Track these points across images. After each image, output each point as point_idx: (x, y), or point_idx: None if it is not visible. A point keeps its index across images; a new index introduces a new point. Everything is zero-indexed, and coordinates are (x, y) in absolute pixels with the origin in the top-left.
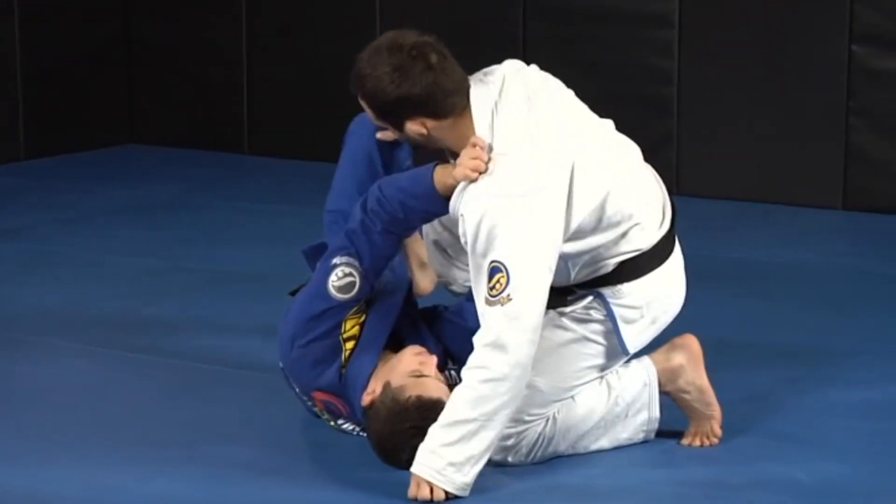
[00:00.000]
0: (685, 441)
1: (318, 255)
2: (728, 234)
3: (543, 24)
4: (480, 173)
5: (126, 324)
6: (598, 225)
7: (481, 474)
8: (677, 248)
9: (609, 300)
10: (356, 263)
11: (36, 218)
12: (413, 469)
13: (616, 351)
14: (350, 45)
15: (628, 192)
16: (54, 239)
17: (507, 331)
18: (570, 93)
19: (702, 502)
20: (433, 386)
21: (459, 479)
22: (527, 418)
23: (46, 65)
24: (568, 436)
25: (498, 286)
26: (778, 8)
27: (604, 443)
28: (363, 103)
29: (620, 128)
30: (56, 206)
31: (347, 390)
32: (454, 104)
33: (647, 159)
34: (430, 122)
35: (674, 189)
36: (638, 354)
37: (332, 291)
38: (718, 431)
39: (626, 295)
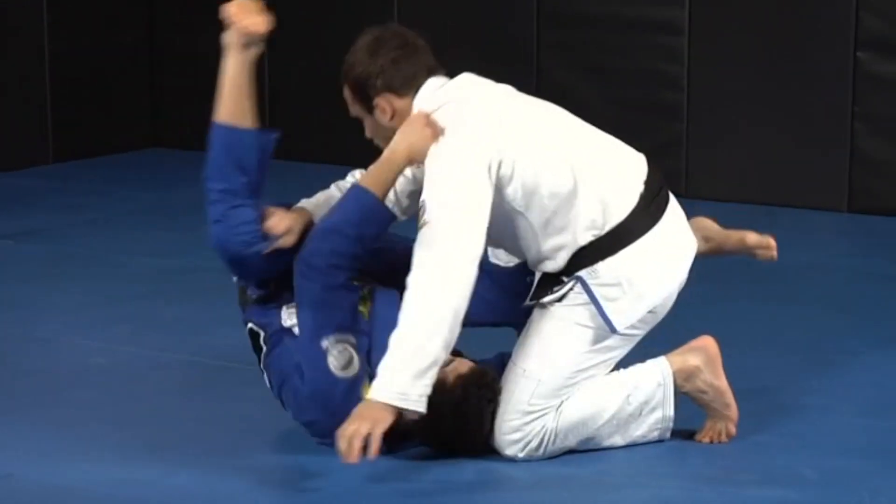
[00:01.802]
0: (698, 437)
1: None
2: None
3: (555, 30)
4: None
5: (148, 322)
6: (536, 189)
7: (493, 470)
8: (661, 227)
9: (588, 282)
10: (343, 336)
11: (62, 219)
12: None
13: (610, 333)
14: None
15: (577, 165)
16: (79, 239)
17: (419, 252)
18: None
19: (709, 496)
20: (460, 364)
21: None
22: (529, 409)
23: (74, 72)
24: (577, 432)
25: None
26: (784, 15)
27: (617, 439)
28: (345, 90)
29: (630, 132)
30: (81, 207)
31: None
32: (417, 84)
33: (656, 162)
34: (395, 101)
35: (682, 192)
36: (654, 354)
37: (340, 374)
38: (733, 431)
39: (603, 273)
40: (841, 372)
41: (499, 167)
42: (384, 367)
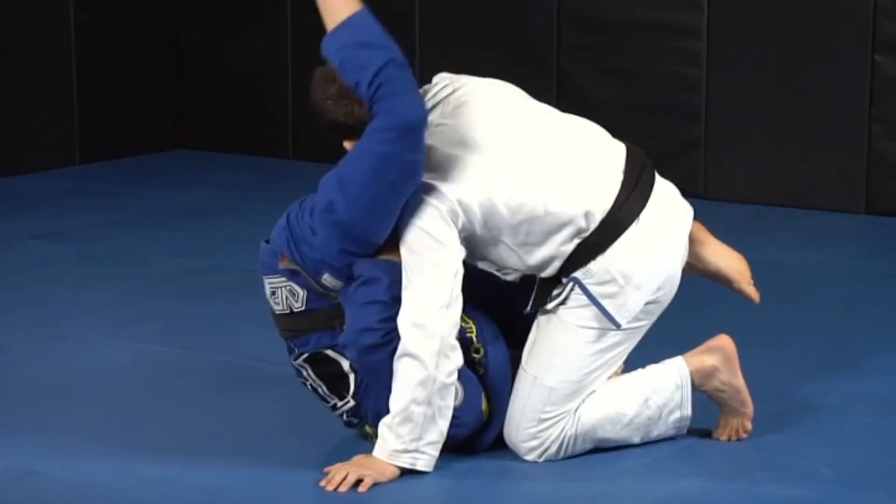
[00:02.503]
0: (716, 434)
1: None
2: (753, 236)
3: (576, 33)
4: None
5: (172, 321)
6: (500, 220)
7: (513, 467)
8: (647, 212)
9: (584, 282)
10: None
11: (88, 219)
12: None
13: (615, 329)
14: None
15: (545, 179)
16: (105, 240)
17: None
18: (511, 98)
19: (725, 494)
20: None
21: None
22: (543, 416)
23: (100, 76)
24: (596, 435)
25: None
26: (802, 19)
27: (634, 440)
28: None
29: (650, 134)
30: (107, 208)
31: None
32: None
33: (675, 164)
34: None
35: (701, 193)
36: (671, 353)
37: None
38: (749, 427)
39: (596, 272)
40: (857, 372)
41: (455, 217)
42: (381, 425)
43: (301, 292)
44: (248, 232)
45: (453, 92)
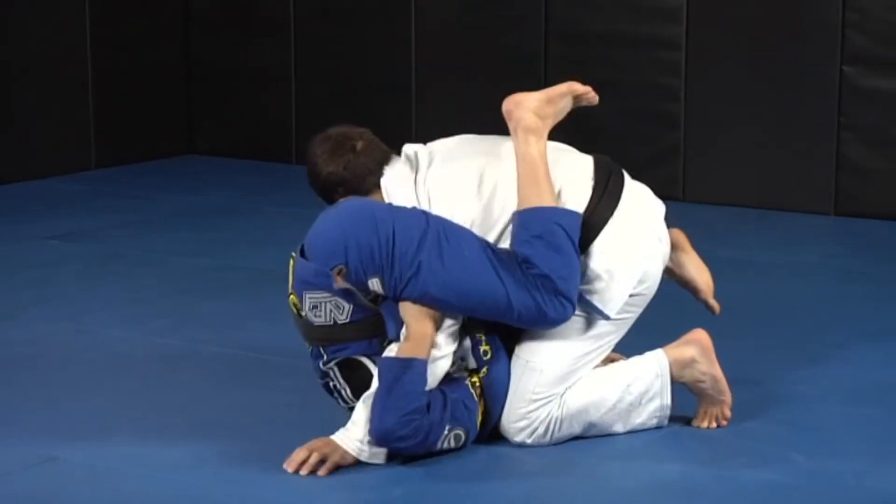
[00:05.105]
0: (695, 422)
1: None
2: (730, 237)
3: (562, 46)
4: None
5: (184, 317)
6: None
7: (503, 455)
8: (620, 211)
9: None
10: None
11: (104, 221)
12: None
13: (604, 320)
14: (388, 63)
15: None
16: (120, 240)
17: None
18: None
19: (704, 478)
20: None
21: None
22: (533, 397)
23: (115, 83)
24: (580, 419)
25: None
26: (775, 33)
27: (618, 427)
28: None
29: (632, 140)
30: (122, 210)
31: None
32: (373, 182)
33: (656, 169)
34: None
35: (680, 196)
36: (653, 346)
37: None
38: (728, 414)
39: (582, 272)
40: (828, 364)
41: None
42: (352, 420)
43: (347, 306)
44: (255, 232)
45: (429, 152)
